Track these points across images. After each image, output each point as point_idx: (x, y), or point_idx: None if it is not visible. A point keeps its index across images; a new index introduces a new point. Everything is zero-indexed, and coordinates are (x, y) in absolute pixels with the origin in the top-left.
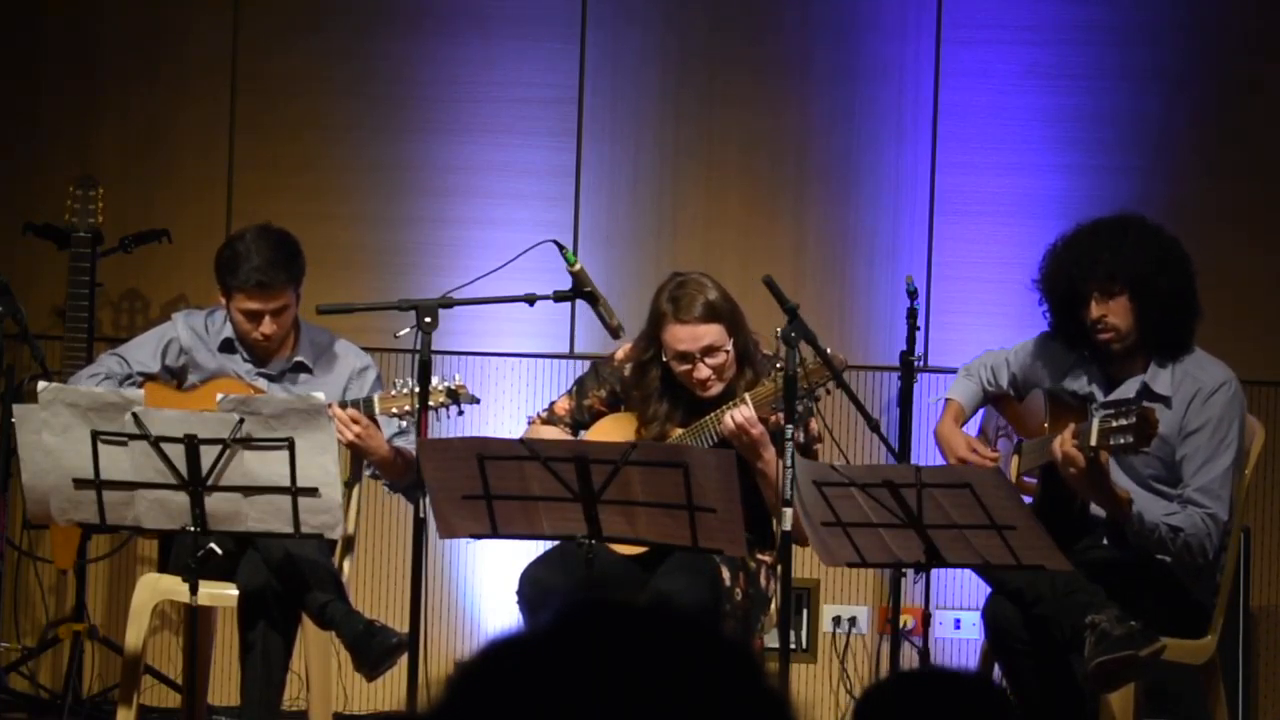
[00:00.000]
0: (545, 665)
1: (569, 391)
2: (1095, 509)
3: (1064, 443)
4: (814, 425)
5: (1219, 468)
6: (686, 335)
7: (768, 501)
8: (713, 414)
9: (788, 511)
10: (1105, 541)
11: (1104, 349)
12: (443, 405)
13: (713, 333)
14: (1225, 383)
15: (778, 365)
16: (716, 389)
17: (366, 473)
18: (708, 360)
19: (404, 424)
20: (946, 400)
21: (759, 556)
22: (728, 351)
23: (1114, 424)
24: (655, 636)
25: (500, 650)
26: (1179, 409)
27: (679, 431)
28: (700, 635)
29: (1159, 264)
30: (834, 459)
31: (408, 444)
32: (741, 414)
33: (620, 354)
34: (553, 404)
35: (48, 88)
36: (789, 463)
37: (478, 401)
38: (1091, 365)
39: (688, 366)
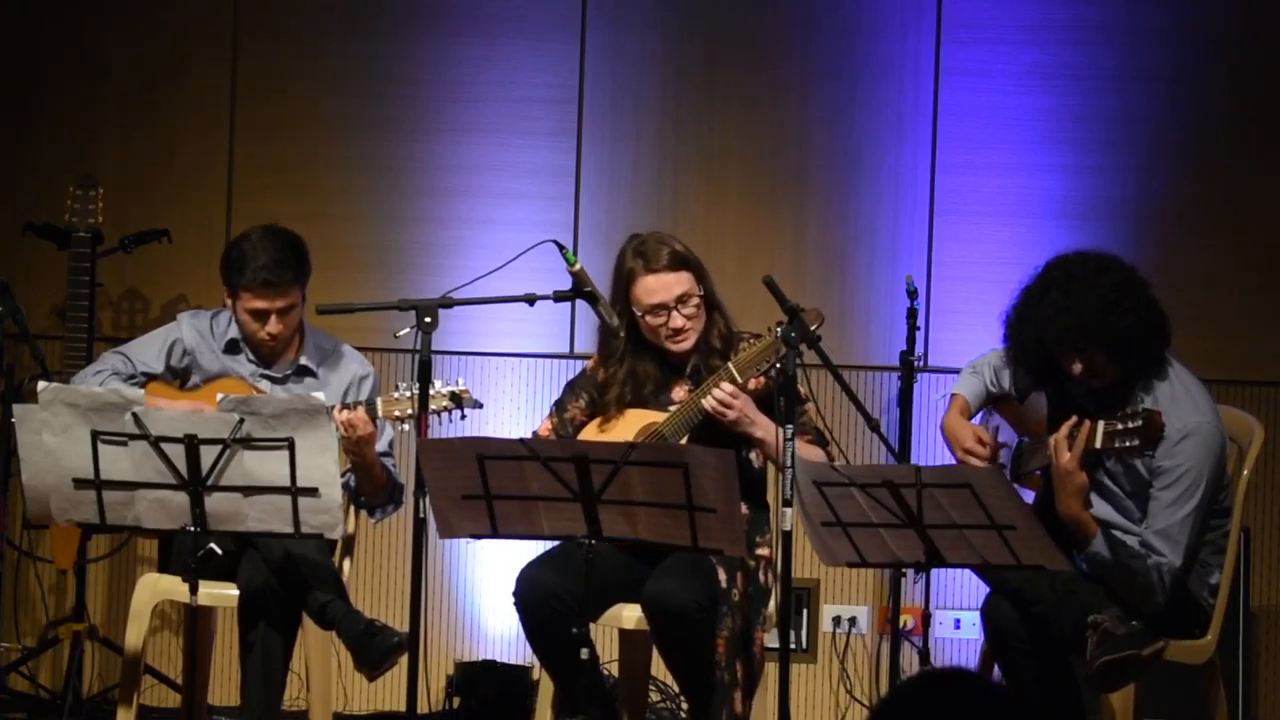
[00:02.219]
0: None
1: (549, 413)
2: (1094, 510)
3: (1061, 434)
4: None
5: (1180, 513)
6: (659, 285)
7: (774, 462)
8: (692, 395)
9: (788, 511)
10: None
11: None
12: (445, 409)
13: (684, 280)
14: (1190, 432)
15: (757, 335)
16: (691, 339)
17: (339, 480)
18: (681, 309)
19: (399, 429)
20: (952, 395)
21: (758, 553)
22: (700, 297)
23: (1120, 426)
24: None
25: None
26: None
27: (655, 415)
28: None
29: (1116, 307)
30: (835, 459)
31: (391, 465)
32: (720, 392)
33: (592, 363)
34: (535, 432)
35: (48, 88)
36: (789, 463)
37: (480, 406)
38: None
39: (662, 319)
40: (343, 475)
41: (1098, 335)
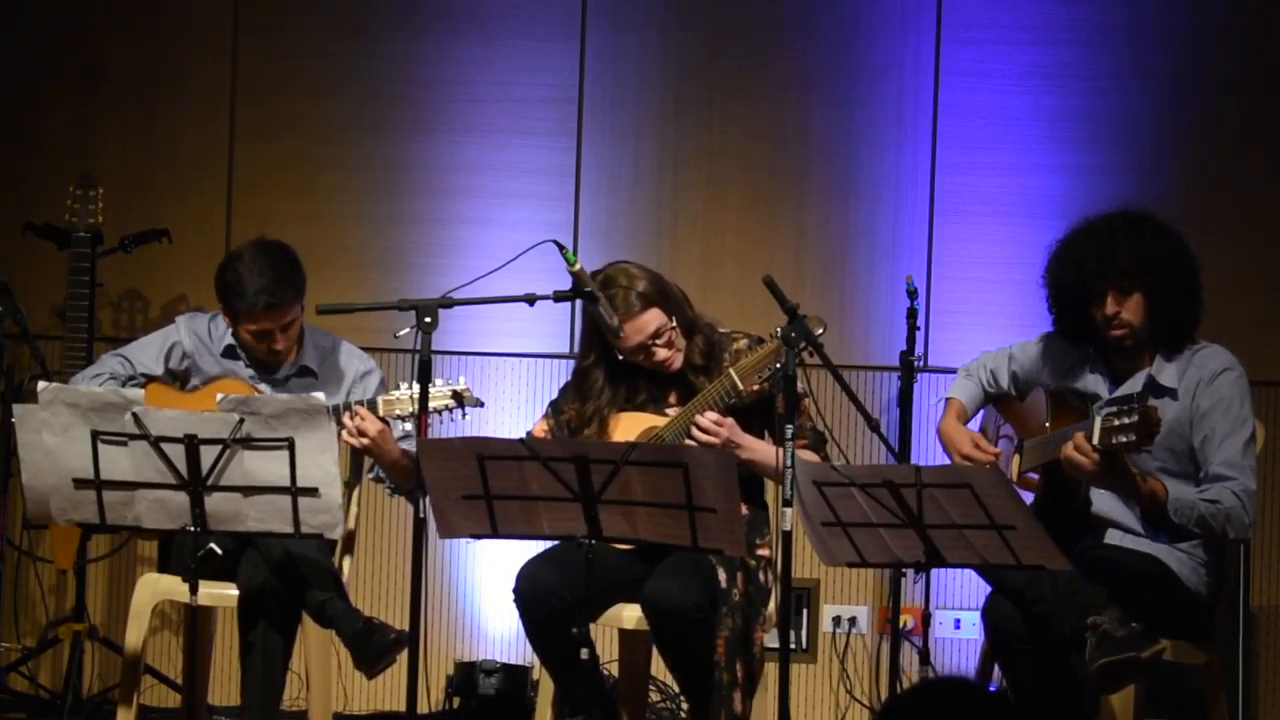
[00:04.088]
0: None
1: (544, 414)
2: (1096, 509)
3: (1069, 448)
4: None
5: (1238, 442)
6: (631, 331)
7: (769, 478)
8: (692, 403)
9: (788, 511)
10: (1107, 540)
11: (1114, 344)
12: (446, 408)
13: (654, 318)
14: (1228, 367)
15: (748, 334)
16: (678, 361)
17: (369, 475)
18: (658, 343)
19: (407, 427)
20: (947, 399)
21: (759, 553)
22: (673, 327)
23: (1116, 422)
24: None
25: None
26: (1185, 399)
27: (655, 419)
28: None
29: (1174, 260)
30: (834, 459)
31: (413, 447)
32: (705, 421)
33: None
34: (529, 432)
35: (48, 88)
36: (789, 462)
37: (482, 404)
38: (1097, 362)
39: (643, 355)
40: (370, 471)
41: (1150, 276)
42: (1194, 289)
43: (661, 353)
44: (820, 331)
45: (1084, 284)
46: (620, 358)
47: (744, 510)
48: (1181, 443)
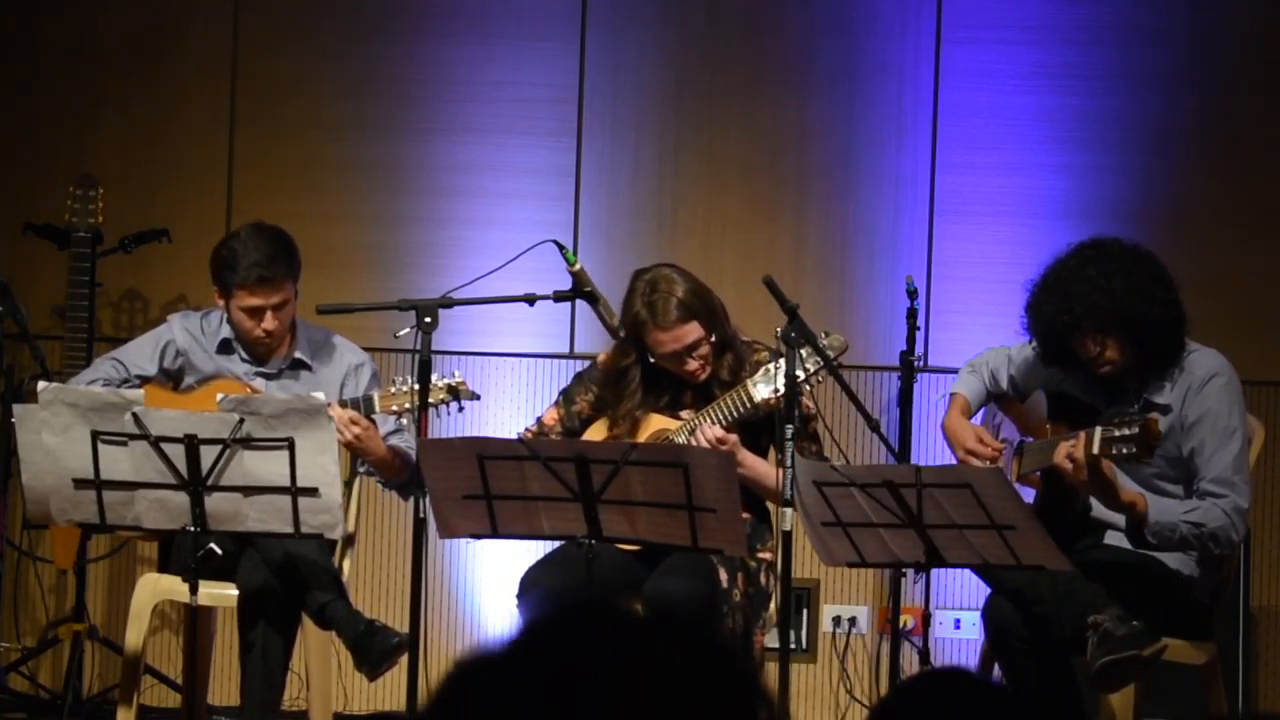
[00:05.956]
0: (534, 668)
1: (555, 402)
2: (1096, 509)
3: (1062, 452)
4: (807, 404)
5: (1228, 455)
6: (668, 339)
7: (768, 498)
8: (704, 411)
9: (788, 511)
10: (1107, 541)
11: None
12: (443, 402)
13: (693, 330)
14: (1216, 373)
15: (781, 354)
16: (707, 372)
17: (361, 469)
18: (694, 355)
19: (403, 421)
20: (952, 394)
21: (759, 555)
22: (711, 342)
23: (1116, 433)
24: (642, 643)
25: (491, 655)
26: (1176, 406)
27: (668, 422)
28: (688, 639)
29: (1147, 295)
30: (834, 459)
31: (403, 442)
32: (710, 432)
33: (603, 357)
34: (540, 419)
35: (48, 88)
36: (789, 462)
37: (478, 398)
38: (1090, 377)
39: (675, 361)
40: (362, 466)
41: (1124, 321)
42: (1171, 316)
43: (693, 364)
44: (841, 353)
45: (1060, 334)
46: (651, 360)
47: (746, 516)
48: (1176, 449)
